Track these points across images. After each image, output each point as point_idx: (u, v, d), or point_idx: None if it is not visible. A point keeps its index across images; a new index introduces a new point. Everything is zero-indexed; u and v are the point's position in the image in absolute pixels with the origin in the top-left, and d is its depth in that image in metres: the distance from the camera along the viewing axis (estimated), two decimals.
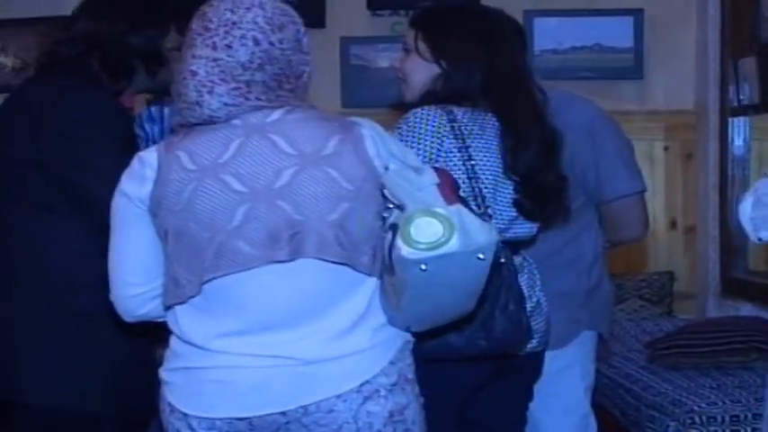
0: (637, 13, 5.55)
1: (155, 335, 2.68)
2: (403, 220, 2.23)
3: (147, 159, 2.38)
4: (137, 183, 2.38)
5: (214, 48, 2.37)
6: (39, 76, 2.99)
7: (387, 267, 2.31)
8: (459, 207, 2.25)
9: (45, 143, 2.82)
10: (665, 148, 5.62)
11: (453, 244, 2.21)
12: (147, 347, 2.87)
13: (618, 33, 5.58)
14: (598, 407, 3.63)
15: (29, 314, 2.88)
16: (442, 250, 2.21)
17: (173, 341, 2.44)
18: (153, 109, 3.46)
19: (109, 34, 2.93)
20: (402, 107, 2.95)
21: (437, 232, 2.21)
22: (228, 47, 2.37)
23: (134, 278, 2.44)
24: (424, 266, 2.22)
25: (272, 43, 2.40)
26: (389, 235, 2.29)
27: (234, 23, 2.38)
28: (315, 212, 2.32)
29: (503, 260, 2.75)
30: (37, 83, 2.98)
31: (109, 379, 2.87)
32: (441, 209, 2.23)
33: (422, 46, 2.92)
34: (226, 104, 2.36)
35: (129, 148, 2.84)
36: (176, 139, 2.38)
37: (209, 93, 2.36)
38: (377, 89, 5.27)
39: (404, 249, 2.21)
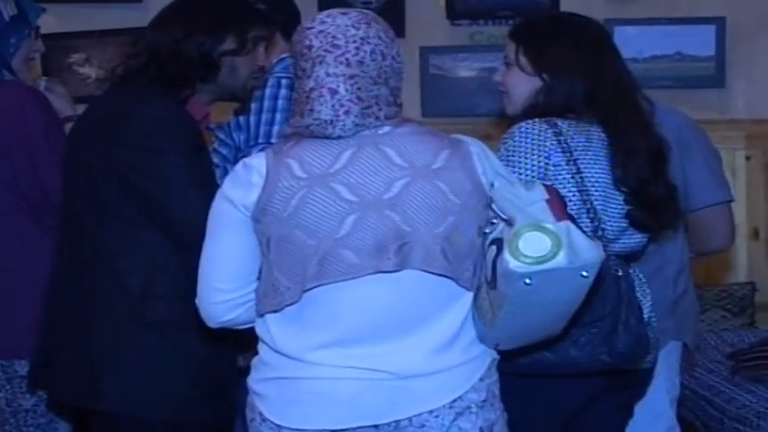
0: (718, 22, 5.49)
1: (235, 342, 2.70)
2: (512, 234, 2.25)
3: (255, 165, 2.40)
4: (242, 189, 2.39)
5: (348, 64, 2.38)
6: (112, 88, 3.03)
7: (487, 282, 2.32)
8: (567, 224, 2.27)
9: (119, 155, 2.85)
10: (747, 158, 5.55)
11: (560, 259, 2.22)
12: (228, 355, 2.89)
13: (699, 42, 5.53)
14: (681, 419, 3.60)
15: (107, 322, 2.90)
16: (549, 265, 2.23)
17: (262, 350, 2.45)
18: (240, 118, 3.49)
19: (165, 44, 2.97)
20: (505, 119, 2.95)
21: (545, 247, 2.23)
22: (361, 62, 2.38)
23: (225, 284, 2.45)
24: (528, 280, 2.23)
25: (393, 57, 2.42)
26: (493, 249, 2.30)
27: (362, 39, 2.40)
28: (423, 224, 2.33)
29: (620, 273, 2.75)
30: (110, 95, 3.03)
31: (189, 387, 2.88)
32: (550, 224, 2.25)
33: (523, 60, 2.91)
34: (357, 125, 2.37)
35: (199, 157, 2.87)
36: (285, 147, 2.39)
37: (346, 113, 2.37)
38: (456, 99, 5.27)
39: (511, 262, 2.23)
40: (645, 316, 2.84)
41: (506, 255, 2.24)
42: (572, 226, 2.28)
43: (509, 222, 2.30)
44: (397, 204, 2.33)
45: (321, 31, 2.41)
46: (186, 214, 2.78)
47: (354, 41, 2.40)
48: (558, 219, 2.28)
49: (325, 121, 2.37)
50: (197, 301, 2.51)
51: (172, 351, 2.88)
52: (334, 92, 2.37)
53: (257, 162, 2.40)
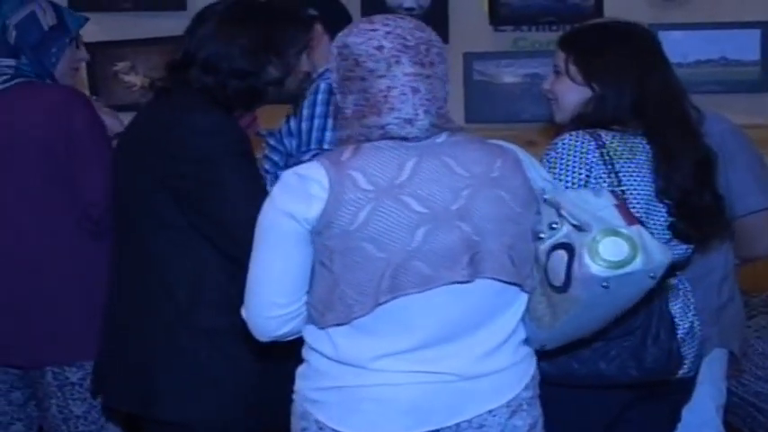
0: (763, 26, 5.46)
1: (286, 350, 2.70)
2: (590, 239, 2.34)
3: (313, 177, 2.38)
4: (302, 202, 2.37)
5: (422, 65, 2.40)
6: (156, 98, 3.04)
7: (551, 286, 2.36)
8: (639, 227, 2.39)
9: (169, 165, 2.86)
10: None
11: (637, 263, 2.34)
12: (280, 362, 2.89)
13: (744, 46, 5.49)
14: (728, 426, 3.57)
15: (158, 330, 2.92)
16: (627, 269, 2.34)
17: (317, 360, 2.45)
18: (292, 124, 3.49)
19: (213, 55, 2.97)
20: (552, 126, 2.95)
21: (623, 251, 2.34)
22: (432, 64, 2.41)
23: (281, 298, 2.44)
24: (606, 284, 2.34)
25: (447, 60, 2.43)
26: (561, 254, 2.36)
27: (428, 41, 2.43)
28: (491, 233, 2.37)
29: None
30: (154, 106, 3.04)
31: (241, 394, 2.90)
32: (624, 229, 2.36)
33: (572, 69, 2.90)
34: (432, 126, 2.39)
35: (248, 164, 2.88)
36: (343, 157, 2.38)
37: (426, 113, 2.38)
38: (500, 105, 5.25)
39: (593, 267, 2.34)
40: (687, 324, 2.83)
41: (587, 259, 2.34)
42: (643, 230, 2.39)
43: (580, 228, 2.37)
44: (465, 214, 2.36)
45: (389, 33, 2.42)
46: (236, 221, 2.78)
47: (423, 43, 2.42)
48: (630, 223, 2.39)
49: (406, 119, 2.38)
50: (245, 315, 2.50)
51: (222, 359, 2.89)
52: (415, 90, 2.39)
53: (315, 173, 2.39)
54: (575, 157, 2.75)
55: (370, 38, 2.42)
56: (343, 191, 2.35)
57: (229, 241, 2.83)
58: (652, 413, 2.90)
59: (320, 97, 3.49)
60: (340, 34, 2.50)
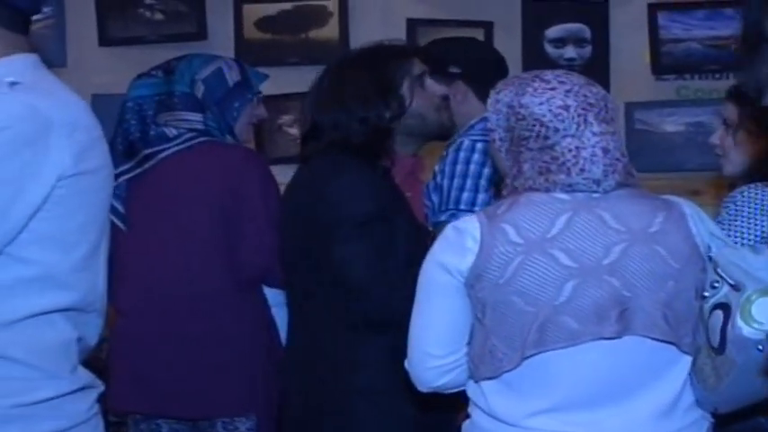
0: None
1: (447, 404, 2.71)
2: (743, 300, 2.23)
3: (468, 230, 2.40)
4: (456, 254, 2.39)
5: (607, 122, 2.41)
6: (304, 161, 3.12)
7: (711, 347, 2.29)
8: None
9: (307, 229, 2.93)
10: None
11: None
12: (442, 418, 2.90)
13: None
14: None
15: (320, 390, 2.98)
16: None
17: (476, 413, 2.45)
18: (438, 178, 3.53)
19: (330, 111, 3.02)
20: (719, 178, 2.90)
21: None
22: (612, 120, 2.42)
23: (437, 350, 2.45)
24: (761, 347, 2.21)
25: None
26: (719, 314, 2.27)
27: (603, 95, 2.43)
28: (643, 290, 2.32)
29: None
30: (300, 169, 3.12)
31: None
32: None
33: (745, 123, 2.86)
34: (618, 184, 2.38)
35: (381, 227, 2.90)
36: (500, 210, 2.39)
37: (614, 172, 2.38)
38: (662, 154, 5.20)
39: (744, 329, 2.22)
40: None
41: (738, 321, 2.22)
42: None
43: (736, 287, 2.27)
44: (616, 269, 2.32)
45: (569, 91, 2.42)
46: (358, 286, 2.85)
47: (601, 99, 2.43)
48: None
49: (595, 180, 2.38)
50: (407, 365, 2.52)
51: (382, 418, 2.93)
52: (606, 150, 2.39)
53: (470, 226, 2.40)
54: (757, 209, 2.70)
55: (551, 97, 2.41)
56: (493, 244, 2.35)
57: (356, 305, 2.89)
58: None
59: (462, 155, 3.53)
60: (506, 92, 2.47)
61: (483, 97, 3.67)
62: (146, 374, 3.44)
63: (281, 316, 3.41)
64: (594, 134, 2.38)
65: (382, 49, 3.18)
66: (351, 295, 2.90)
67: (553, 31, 5.13)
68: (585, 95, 2.41)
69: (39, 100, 2.19)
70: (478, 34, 5.05)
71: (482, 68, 3.81)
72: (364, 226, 2.90)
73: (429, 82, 3.17)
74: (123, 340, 3.49)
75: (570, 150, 2.38)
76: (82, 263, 2.27)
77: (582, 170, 2.37)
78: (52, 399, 2.24)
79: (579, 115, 2.39)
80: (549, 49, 5.14)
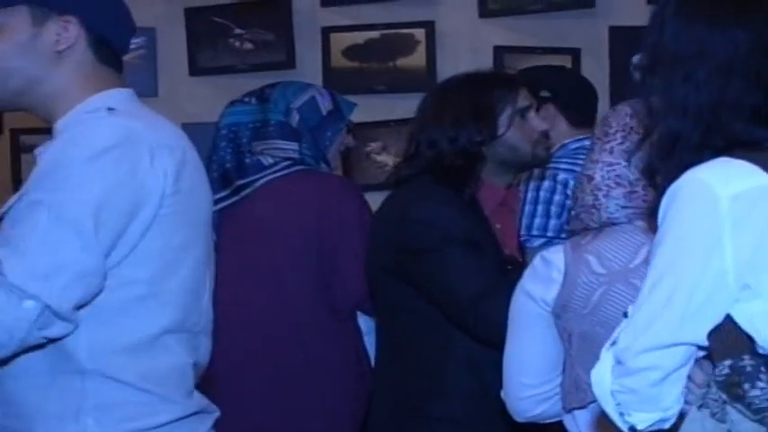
0: None
1: None
2: None
3: (554, 260, 2.42)
4: (542, 284, 2.41)
5: (611, 152, 2.39)
6: (396, 185, 3.17)
7: None
8: None
9: (397, 257, 2.95)
10: None
11: None
12: None
13: None
14: None
15: (398, 418, 2.98)
16: None
17: None
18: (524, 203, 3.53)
19: (428, 130, 3.04)
20: None
21: None
22: (625, 152, 2.39)
23: (528, 379, 2.46)
24: None
25: None
26: None
27: (632, 128, 2.41)
28: None
29: None
30: (392, 195, 3.16)
31: None
32: None
33: None
34: (623, 207, 2.36)
35: (471, 251, 2.90)
36: (583, 240, 2.40)
37: (605, 196, 2.37)
38: None
39: None
40: None
41: None
42: None
43: None
44: None
45: (606, 118, 2.47)
46: (455, 302, 2.86)
47: (623, 131, 2.45)
48: None
49: (588, 205, 2.42)
50: (503, 395, 2.53)
51: None
52: (590, 178, 2.45)
53: (556, 257, 2.42)
54: None
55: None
56: (577, 274, 2.36)
57: (461, 322, 2.90)
58: None
59: (532, 183, 3.53)
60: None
61: (572, 123, 3.68)
62: (238, 406, 3.44)
63: (370, 343, 3.42)
64: (592, 161, 2.41)
65: (491, 75, 3.21)
66: (456, 311, 2.90)
67: (640, 72, 5.08)
68: (609, 125, 2.44)
69: (137, 123, 2.24)
70: (566, 61, 5.04)
71: (573, 94, 3.82)
72: (464, 243, 2.92)
73: (532, 115, 3.17)
74: (213, 371, 3.51)
75: (580, 177, 2.44)
76: (186, 282, 2.30)
77: (575, 198, 2.41)
78: (168, 423, 2.26)
79: (592, 144, 2.43)
80: (637, 75, 5.11)
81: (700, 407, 1.82)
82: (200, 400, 2.37)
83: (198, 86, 5.28)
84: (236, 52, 5.28)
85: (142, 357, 2.23)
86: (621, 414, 1.86)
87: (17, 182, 5.17)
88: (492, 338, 2.77)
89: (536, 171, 3.59)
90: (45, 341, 2.15)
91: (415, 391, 2.99)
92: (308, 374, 3.44)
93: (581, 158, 2.87)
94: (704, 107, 1.88)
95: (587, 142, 3.17)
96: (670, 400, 1.84)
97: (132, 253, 2.21)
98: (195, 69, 5.31)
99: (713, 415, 1.81)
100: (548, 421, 2.52)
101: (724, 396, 1.80)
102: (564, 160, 3.57)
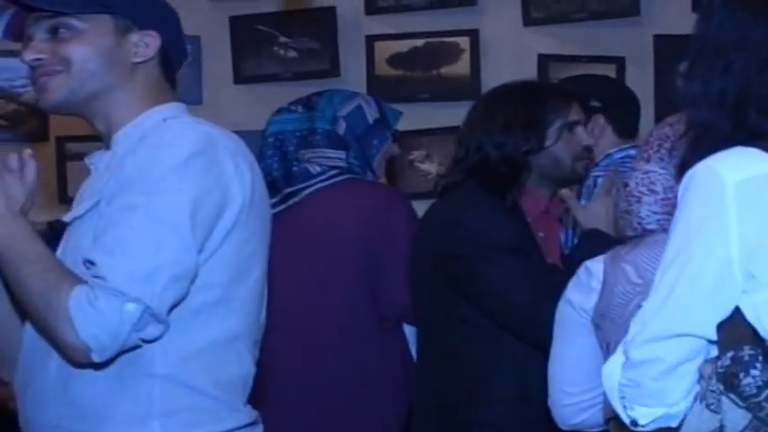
0: None
1: None
2: None
3: (594, 270, 2.44)
4: (582, 293, 2.43)
5: (647, 161, 2.39)
6: (442, 193, 3.19)
7: None
8: None
9: (446, 264, 2.96)
10: None
11: None
12: None
13: None
14: None
15: (442, 423, 2.97)
16: None
17: None
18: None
19: (471, 151, 3.03)
20: None
21: None
22: (661, 159, 2.40)
23: (571, 387, 2.47)
24: None
25: None
26: None
27: (667, 137, 2.42)
28: None
29: None
30: (438, 202, 3.18)
31: None
32: None
33: None
34: (655, 213, 2.36)
35: (520, 258, 2.91)
36: (623, 250, 2.41)
37: (638, 202, 2.38)
38: None
39: None
40: None
41: None
42: None
43: None
44: None
45: (651, 131, 2.48)
46: (505, 310, 2.87)
47: (660, 139, 2.47)
48: None
49: (622, 211, 2.43)
50: (549, 402, 2.54)
51: None
52: (626, 185, 2.44)
53: (596, 267, 2.44)
54: None
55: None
56: (615, 283, 2.37)
57: (516, 329, 2.90)
58: None
59: (583, 191, 3.53)
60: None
61: (620, 132, 3.69)
62: (286, 416, 3.44)
63: (412, 351, 3.43)
64: (631, 169, 2.41)
65: (546, 86, 3.24)
66: (511, 318, 2.91)
67: (685, 66, 5.05)
68: (650, 134, 2.48)
69: (215, 131, 2.29)
70: (610, 70, 5.03)
71: (621, 105, 3.83)
72: (514, 251, 2.93)
73: (580, 130, 3.18)
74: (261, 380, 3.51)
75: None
76: (253, 290, 2.34)
77: (615, 204, 2.39)
78: (230, 431, 2.27)
79: (638, 153, 2.46)
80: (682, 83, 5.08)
81: (701, 400, 1.79)
82: (251, 409, 2.37)
83: (242, 95, 5.30)
84: (280, 60, 5.30)
85: (214, 363, 2.25)
86: (625, 408, 1.83)
87: (63, 189, 5.20)
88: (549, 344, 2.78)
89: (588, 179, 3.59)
90: (142, 343, 2.17)
91: (460, 398, 3.00)
92: (354, 383, 3.44)
93: (627, 167, 2.87)
94: (736, 97, 1.87)
95: (633, 152, 3.18)
96: (676, 396, 1.80)
97: (213, 257, 2.23)
98: (240, 77, 5.33)
99: (708, 406, 1.78)
100: (591, 431, 2.51)
101: (721, 387, 1.77)
102: (602, 172, 3.57)
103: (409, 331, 3.52)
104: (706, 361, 1.82)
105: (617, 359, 1.86)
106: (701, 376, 1.82)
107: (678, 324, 1.79)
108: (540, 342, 2.85)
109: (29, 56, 2.34)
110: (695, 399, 1.80)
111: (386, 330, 3.48)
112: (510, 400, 2.94)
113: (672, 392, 1.80)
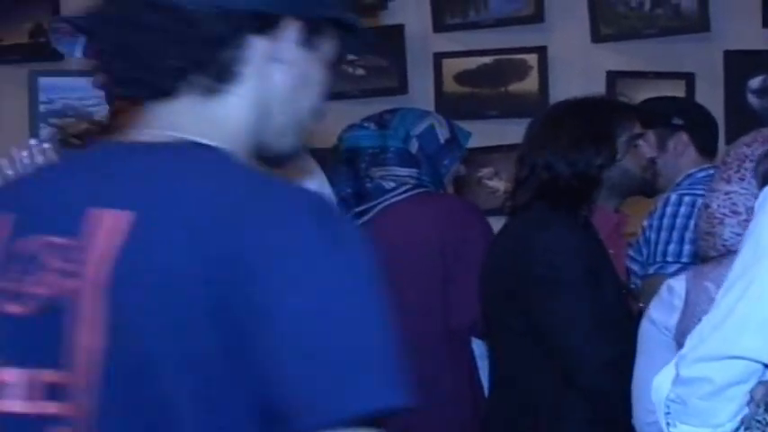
0: None
1: None
2: None
3: (676, 288, 2.43)
4: (664, 311, 2.42)
5: (728, 181, 2.38)
6: (513, 212, 3.17)
7: None
8: None
9: (517, 285, 2.94)
10: None
11: None
12: None
13: None
14: None
15: None
16: None
17: None
18: (647, 232, 3.51)
19: (540, 169, 3.02)
20: None
21: None
22: (741, 179, 2.38)
23: (652, 405, 2.44)
24: None
25: None
26: None
27: (746, 156, 2.40)
28: None
29: None
30: (510, 221, 3.18)
31: None
32: None
33: None
34: (738, 235, 2.35)
35: (595, 283, 2.89)
36: (706, 268, 2.41)
37: (720, 224, 2.36)
38: None
39: None
40: None
41: None
42: None
43: None
44: None
45: (728, 150, 2.47)
46: (570, 345, 2.85)
47: (739, 159, 2.43)
48: None
49: (703, 232, 2.41)
50: (633, 420, 2.54)
51: None
52: (707, 206, 2.43)
53: (678, 285, 2.43)
54: None
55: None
56: (697, 302, 2.36)
57: (564, 363, 2.89)
58: None
59: (669, 210, 3.53)
60: None
61: (702, 150, 3.69)
62: None
63: (483, 368, 3.42)
64: (711, 191, 2.42)
65: (607, 100, 3.23)
66: (559, 355, 2.90)
67: (756, 82, 5.03)
68: (728, 153, 2.46)
69: None
70: (679, 86, 5.01)
71: (703, 124, 3.83)
72: (579, 285, 2.91)
73: (642, 143, 3.20)
74: None
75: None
76: None
77: (695, 225, 2.38)
78: None
79: (716, 172, 2.45)
80: (752, 99, 5.05)
81: (745, 428, 1.74)
82: None
83: None
84: (348, 78, 5.32)
85: None
86: (668, 424, 1.80)
87: None
88: (596, 390, 2.82)
89: (672, 197, 3.58)
90: None
91: (530, 420, 2.98)
92: (421, 398, 3.43)
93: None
94: None
95: (713, 171, 3.17)
96: (722, 418, 1.76)
97: None
98: None
99: None
100: None
101: None
102: (698, 187, 3.56)
103: (478, 348, 3.52)
104: (760, 383, 1.78)
105: (668, 372, 1.83)
106: (752, 399, 1.77)
107: (733, 346, 1.74)
108: (586, 386, 2.85)
109: None
110: (741, 423, 1.74)
111: (453, 344, 3.47)
112: (582, 424, 2.92)
113: (718, 414, 1.77)
